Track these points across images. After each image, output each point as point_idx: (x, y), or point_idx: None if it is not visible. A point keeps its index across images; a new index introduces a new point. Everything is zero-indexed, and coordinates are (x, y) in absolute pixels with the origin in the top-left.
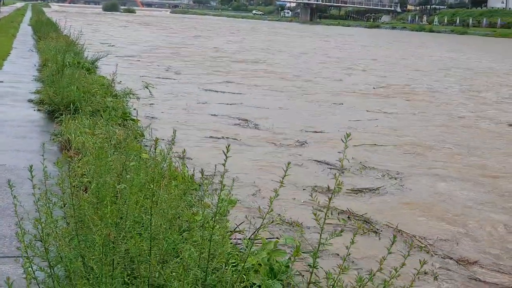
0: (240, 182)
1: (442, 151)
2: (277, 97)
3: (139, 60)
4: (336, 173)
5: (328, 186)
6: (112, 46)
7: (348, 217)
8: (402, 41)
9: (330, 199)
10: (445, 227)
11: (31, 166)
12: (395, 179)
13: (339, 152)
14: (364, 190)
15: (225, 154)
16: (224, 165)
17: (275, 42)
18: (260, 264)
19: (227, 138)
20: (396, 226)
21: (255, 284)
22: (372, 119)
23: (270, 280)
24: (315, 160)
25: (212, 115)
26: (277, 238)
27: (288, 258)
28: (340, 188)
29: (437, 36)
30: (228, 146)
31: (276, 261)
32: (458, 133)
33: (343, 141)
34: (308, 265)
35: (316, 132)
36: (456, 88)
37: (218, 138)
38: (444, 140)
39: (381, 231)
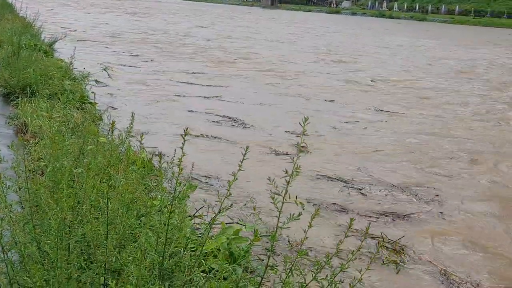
0: (203, 171)
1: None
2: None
3: (107, 47)
4: (294, 157)
5: (286, 170)
6: (74, 30)
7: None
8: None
9: (288, 182)
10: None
11: None
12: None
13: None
14: (392, 214)
15: (183, 138)
16: (182, 148)
17: (245, 28)
18: (219, 249)
19: (205, 136)
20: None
21: (214, 269)
22: (380, 121)
23: (229, 264)
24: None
25: (188, 110)
26: (237, 222)
27: (249, 244)
28: (298, 172)
29: (396, 23)
30: (186, 130)
31: (236, 246)
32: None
33: (300, 125)
34: (266, 249)
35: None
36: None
37: (196, 136)
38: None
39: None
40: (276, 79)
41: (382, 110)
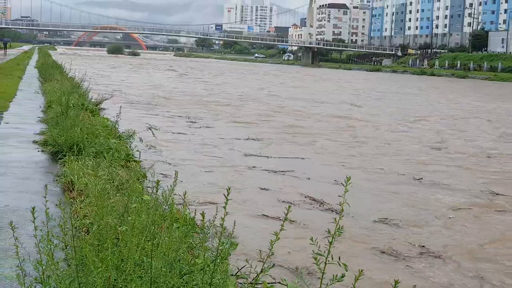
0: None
1: None
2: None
3: (161, 111)
4: (336, 217)
5: (329, 230)
6: (120, 91)
7: None
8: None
9: (330, 243)
10: None
11: (33, 208)
12: None
13: None
14: None
15: (225, 197)
16: (225, 207)
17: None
18: None
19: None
20: None
21: None
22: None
23: None
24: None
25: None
26: (279, 282)
27: None
28: (341, 232)
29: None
30: (229, 189)
31: None
32: None
33: (343, 185)
34: None
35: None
36: None
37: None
38: None
39: None
40: (361, 149)
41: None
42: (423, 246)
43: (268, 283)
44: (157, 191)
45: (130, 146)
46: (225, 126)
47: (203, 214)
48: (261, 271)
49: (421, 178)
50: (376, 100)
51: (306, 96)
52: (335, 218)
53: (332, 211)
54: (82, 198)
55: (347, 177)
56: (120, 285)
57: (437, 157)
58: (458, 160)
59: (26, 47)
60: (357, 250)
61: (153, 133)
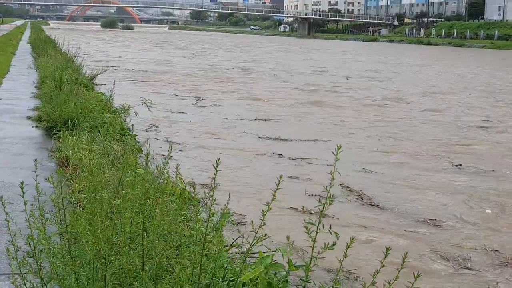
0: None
1: None
2: None
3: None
4: (327, 185)
5: (320, 200)
6: (115, 67)
7: None
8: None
9: (321, 211)
10: None
11: (22, 183)
12: None
13: None
14: None
15: (215, 168)
16: (214, 178)
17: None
18: (257, 279)
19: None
20: None
21: None
22: None
23: None
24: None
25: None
26: (274, 251)
27: (286, 272)
28: (332, 201)
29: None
30: (218, 160)
31: (275, 275)
32: None
33: (333, 153)
34: (300, 279)
35: None
36: None
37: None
38: None
39: None
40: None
41: None
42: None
43: (264, 252)
44: (147, 164)
45: (125, 121)
46: (238, 103)
47: (193, 186)
48: (254, 241)
49: (460, 164)
50: (393, 73)
51: (318, 68)
52: (326, 187)
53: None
54: (77, 173)
55: (337, 146)
56: (112, 258)
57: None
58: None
59: (18, 22)
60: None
61: (148, 107)
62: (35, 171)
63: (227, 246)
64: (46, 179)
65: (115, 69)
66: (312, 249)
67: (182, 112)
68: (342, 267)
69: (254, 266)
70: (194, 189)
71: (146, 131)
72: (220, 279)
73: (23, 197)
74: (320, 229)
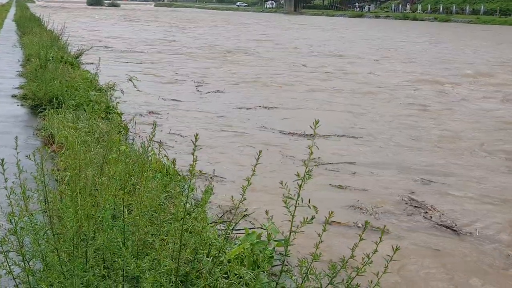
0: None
1: None
2: None
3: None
4: (306, 160)
5: (298, 173)
6: (102, 45)
7: None
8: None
9: (300, 186)
10: None
11: (2, 160)
12: None
13: None
14: None
15: (193, 143)
16: (193, 153)
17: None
18: (244, 255)
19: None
20: None
21: (237, 274)
22: None
23: (252, 270)
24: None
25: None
26: (259, 227)
27: (272, 248)
28: (310, 175)
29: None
30: (197, 135)
31: (260, 251)
32: None
33: (311, 127)
34: (281, 254)
35: None
36: None
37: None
38: None
39: None
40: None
41: None
42: None
43: (249, 229)
44: (126, 140)
45: (111, 98)
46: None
47: (173, 162)
48: (241, 217)
49: None
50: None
51: (322, 49)
52: (304, 161)
53: None
54: (63, 151)
55: (315, 120)
56: (92, 235)
57: None
58: None
59: (3, 1)
60: None
61: (134, 84)
62: (16, 149)
63: (214, 222)
64: (26, 156)
65: (104, 48)
66: (291, 223)
67: (179, 96)
68: (322, 241)
69: (240, 243)
70: (174, 165)
71: (134, 108)
72: (205, 255)
73: (3, 174)
74: (298, 203)
